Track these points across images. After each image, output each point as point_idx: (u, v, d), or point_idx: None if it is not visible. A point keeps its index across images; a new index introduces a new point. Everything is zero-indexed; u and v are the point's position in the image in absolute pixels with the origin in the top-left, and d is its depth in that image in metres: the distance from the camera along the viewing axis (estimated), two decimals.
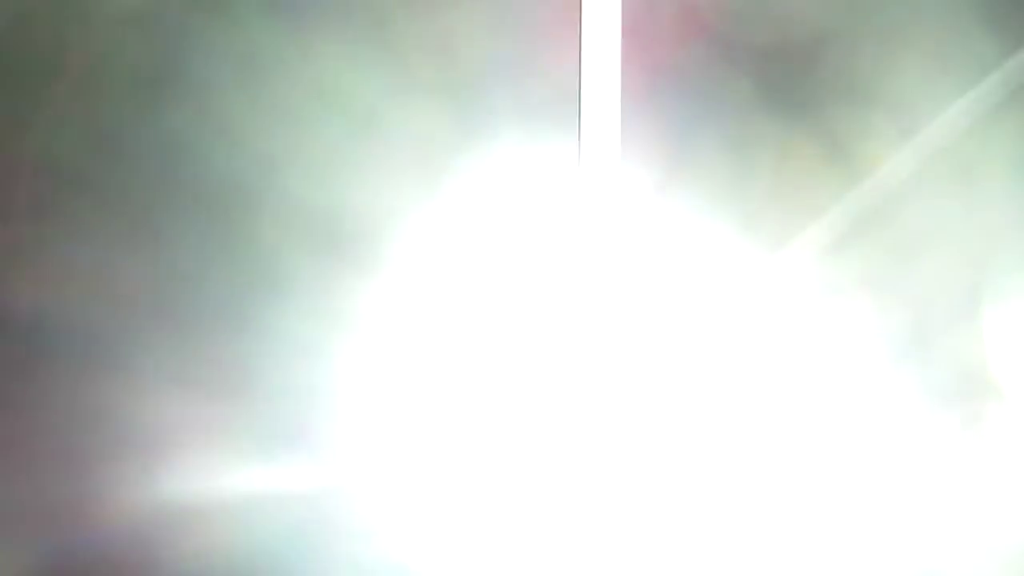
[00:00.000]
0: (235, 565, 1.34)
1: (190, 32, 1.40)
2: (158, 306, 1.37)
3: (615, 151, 1.36)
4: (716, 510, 1.36)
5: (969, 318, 1.38)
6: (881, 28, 1.40)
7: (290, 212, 1.38)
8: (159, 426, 1.35)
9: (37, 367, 1.36)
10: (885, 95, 1.39)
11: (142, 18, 1.40)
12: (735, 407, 1.37)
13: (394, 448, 1.36)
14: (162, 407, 1.35)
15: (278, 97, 1.39)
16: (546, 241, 1.38)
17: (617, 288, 1.37)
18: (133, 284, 1.37)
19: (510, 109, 1.38)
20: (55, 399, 1.36)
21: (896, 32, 1.40)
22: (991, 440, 1.37)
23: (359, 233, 1.38)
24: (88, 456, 1.36)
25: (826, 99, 1.40)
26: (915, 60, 1.40)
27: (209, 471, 1.35)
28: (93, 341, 1.37)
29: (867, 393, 1.37)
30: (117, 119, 1.39)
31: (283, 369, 1.36)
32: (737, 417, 1.37)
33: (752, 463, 1.37)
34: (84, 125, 1.39)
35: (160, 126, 1.39)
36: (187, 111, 1.39)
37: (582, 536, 1.36)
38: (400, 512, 1.35)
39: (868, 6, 1.40)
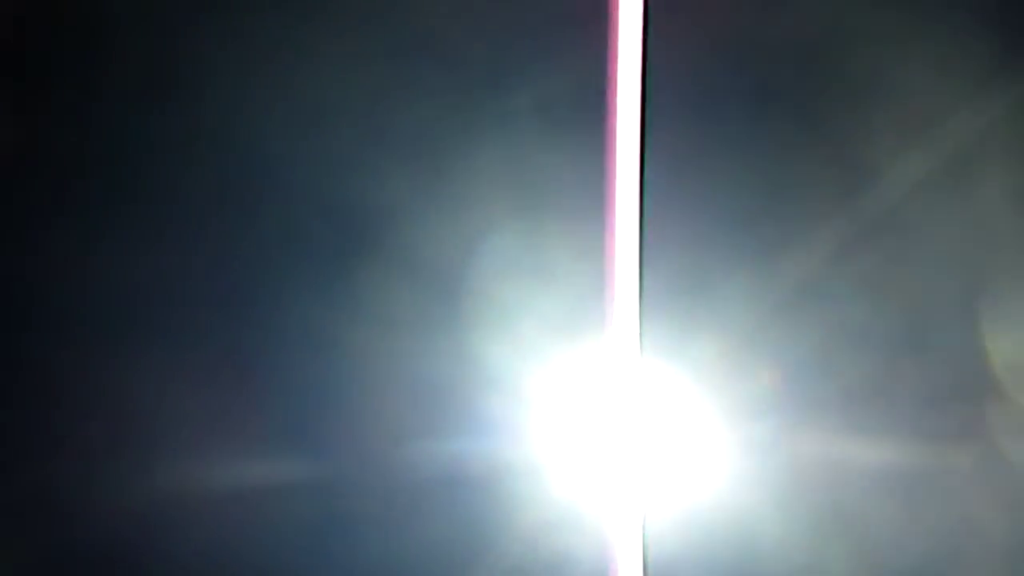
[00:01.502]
0: (240, 558, 1.35)
1: (190, 32, 1.40)
2: (162, 302, 1.37)
3: (635, 154, 1.37)
4: (717, 514, 1.37)
5: (969, 320, 1.38)
6: (882, 28, 1.40)
7: (292, 211, 1.38)
8: (164, 419, 1.36)
9: (42, 360, 1.37)
10: (886, 96, 1.40)
11: (143, 18, 1.40)
12: (737, 406, 1.38)
13: (397, 442, 1.36)
14: (166, 400, 1.36)
15: (282, 93, 1.40)
16: (561, 242, 1.38)
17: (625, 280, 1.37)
18: (135, 281, 1.38)
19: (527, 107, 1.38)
20: (60, 391, 1.37)
21: (897, 32, 1.41)
22: (991, 441, 1.37)
23: (362, 231, 1.38)
24: (91, 448, 1.36)
25: (827, 101, 1.40)
26: (916, 61, 1.40)
27: (214, 464, 1.35)
28: (98, 334, 1.37)
29: (866, 395, 1.37)
30: (119, 118, 1.40)
31: (287, 364, 1.36)
32: (738, 416, 1.37)
33: (754, 462, 1.37)
34: (86, 125, 1.40)
35: (160, 125, 1.39)
36: (189, 109, 1.40)
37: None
38: (404, 506, 1.35)
39: (869, 6, 1.41)
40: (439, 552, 1.35)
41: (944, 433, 1.37)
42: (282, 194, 1.38)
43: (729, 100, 1.39)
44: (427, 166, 1.38)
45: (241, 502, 1.34)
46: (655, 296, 1.37)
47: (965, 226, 1.40)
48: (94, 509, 1.35)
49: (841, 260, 1.38)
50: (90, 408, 1.36)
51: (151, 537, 1.35)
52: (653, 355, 1.37)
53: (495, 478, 1.35)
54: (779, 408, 1.37)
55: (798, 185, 1.39)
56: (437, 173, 1.38)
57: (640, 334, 1.36)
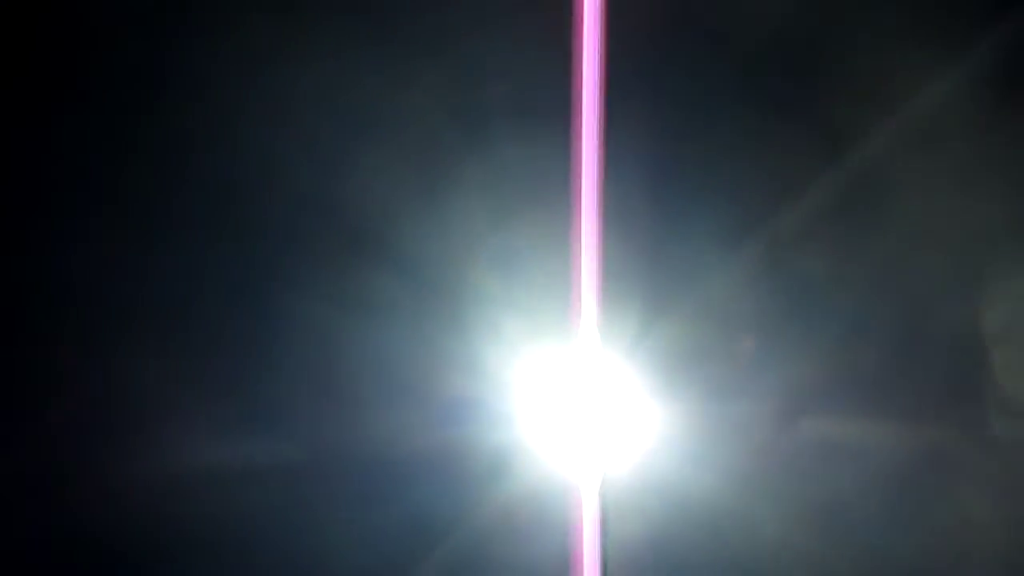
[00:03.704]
0: (225, 540, 1.36)
1: (190, 32, 1.42)
2: (154, 298, 1.39)
3: (597, 150, 1.37)
4: (718, 516, 1.36)
5: (966, 313, 1.37)
6: (878, 24, 1.40)
7: (287, 211, 1.40)
8: (151, 407, 1.37)
9: (35, 348, 1.39)
10: (880, 91, 1.39)
11: (142, 18, 1.42)
12: (738, 405, 1.37)
13: (379, 426, 1.37)
14: (154, 385, 1.37)
15: (278, 96, 1.41)
16: (541, 240, 1.39)
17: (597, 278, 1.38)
18: (130, 279, 1.39)
19: (506, 107, 1.39)
20: (51, 378, 1.38)
21: (893, 28, 1.41)
22: (989, 438, 1.36)
23: (356, 231, 1.39)
24: (79, 431, 1.38)
25: (821, 95, 1.40)
26: (911, 56, 1.40)
27: (198, 447, 1.36)
28: (90, 324, 1.39)
29: (862, 390, 1.37)
30: (117, 118, 1.42)
31: (269, 352, 1.38)
32: (739, 416, 1.37)
33: (753, 459, 1.36)
34: (85, 124, 1.42)
35: (160, 125, 1.41)
36: (188, 109, 1.41)
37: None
38: (388, 489, 1.36)
39: (866, 3, 1.41)
40: (409, 530, 1.35)
41: (933, 422, 1.36)
42: (269, 191, 1.40)
43: (693, 86, 1.39)
44: (403, 163, 1.40)
45: (227, 486, 1.36)
46: (621, 283, 1.37)
47: (963, 218, 1.39)
48: (79, 494, 1.37)
49: (816, 242, 1.38)
50: (80, 395, 1.38)
51: (133, 521, 1.36)
52: (619, 343, 1.37)
53: (466, 460, 1.36)
54: (747, 394, 1.36)
55: (766, 169, 1.39)
56: (412, 169, 1.39)
57: (606, 321, 1.37)
